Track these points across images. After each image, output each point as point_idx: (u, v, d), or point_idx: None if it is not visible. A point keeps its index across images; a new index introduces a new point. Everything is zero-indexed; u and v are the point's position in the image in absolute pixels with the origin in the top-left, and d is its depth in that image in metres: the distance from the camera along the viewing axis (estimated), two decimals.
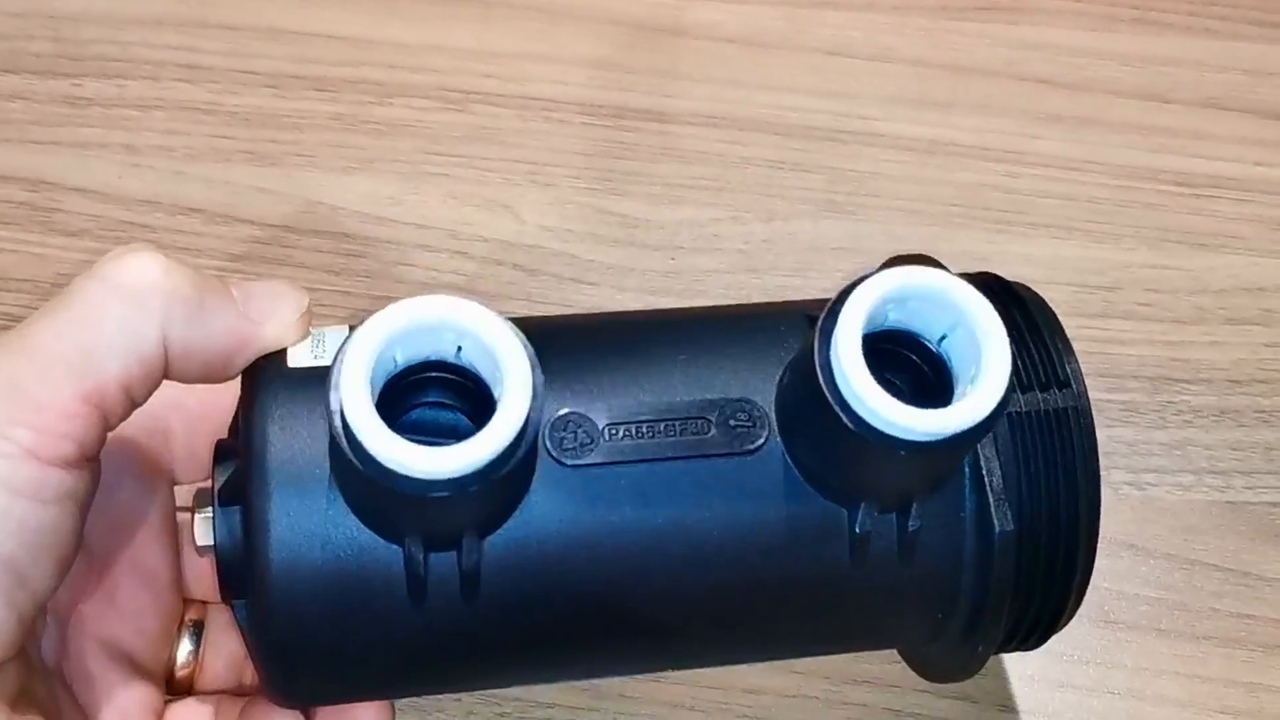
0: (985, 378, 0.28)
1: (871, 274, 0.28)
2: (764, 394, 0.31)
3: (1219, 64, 0.54)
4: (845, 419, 0.27)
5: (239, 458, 0.31)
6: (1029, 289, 0.36)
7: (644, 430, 0.30)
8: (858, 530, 0.30)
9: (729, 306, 0.37)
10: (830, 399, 0.28)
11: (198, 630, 0.36)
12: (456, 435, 0.27)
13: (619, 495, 0.30)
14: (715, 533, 0.30)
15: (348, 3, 0.55)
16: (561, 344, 0.31)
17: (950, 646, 0.34)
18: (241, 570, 0.30)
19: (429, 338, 0.28)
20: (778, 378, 0.31)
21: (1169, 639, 0.43)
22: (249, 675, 0.36)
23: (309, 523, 0.29)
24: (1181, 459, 0.46)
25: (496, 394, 0.27)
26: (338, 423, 0.26)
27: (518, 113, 0.53)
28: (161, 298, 0.29)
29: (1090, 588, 0.43)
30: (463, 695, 0.41)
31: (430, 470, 0.26)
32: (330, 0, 0.55)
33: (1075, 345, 0.48)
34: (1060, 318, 0.48)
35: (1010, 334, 0.28)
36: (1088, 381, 0.46)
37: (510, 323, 0.27)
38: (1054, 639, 0.42)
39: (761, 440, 0.30)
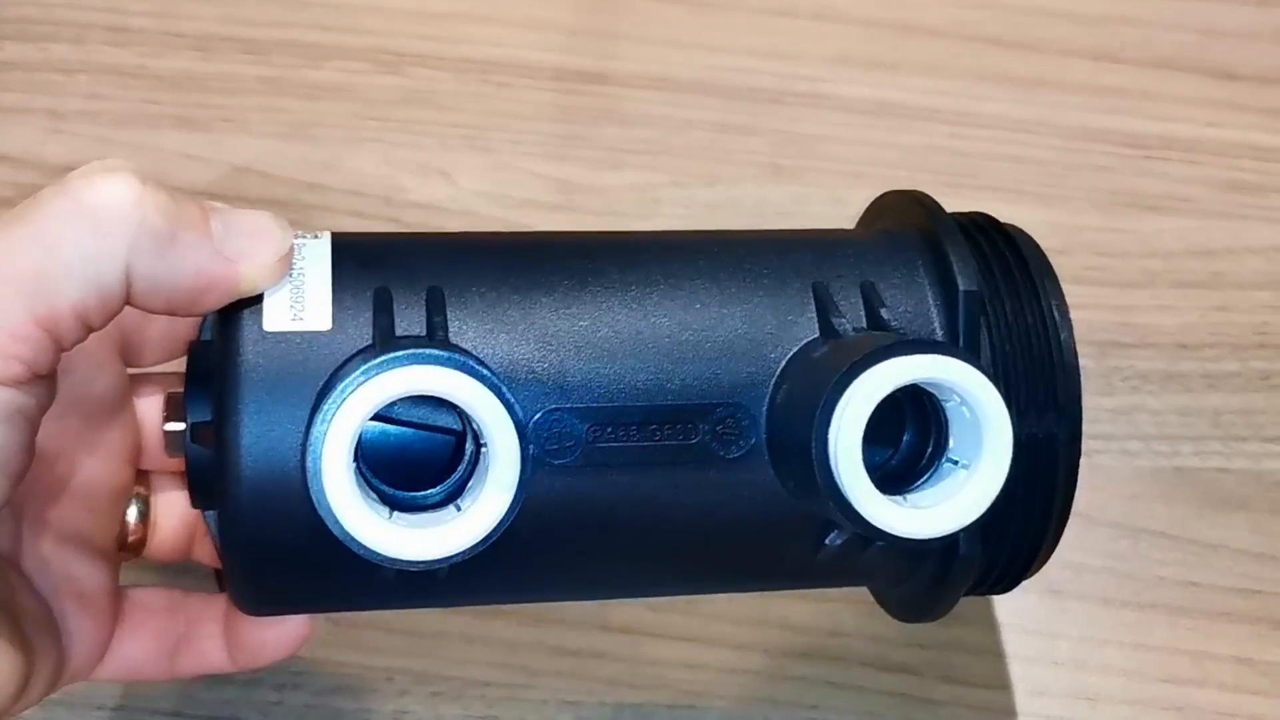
0: (980, 472, 0.28)
1: (882, 354, 0.28)
2: (756, 397, 0.30)
3: (1170, 23, 0.53)
4: (841, 515, 0.28)
5: (211, 365, 0.30)
6: (1022, 231, 0.35)
7: (628, 433, 0.30)
8: (826, 543, 0.31)
9: (723, 252, 0.33)
10: (827, 496, 0.28)
11: (146, 501, 0.35)
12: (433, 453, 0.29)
13: (596, 497, 0.30)
14: (691, 532, 0.31)
15: None
16: (548, 317, 0.30)
17: (920, 589, 0.34)
18: (212, 481, 0.30)
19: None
20: (772, 381, 0.30)
21: (1114, 608, 0.42)
22: (198, 548, 0.36)
23: (282, 436, 0.29)
24: (1129, 425, 0.45)
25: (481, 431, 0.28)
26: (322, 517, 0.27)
27: (455, 75, 0.52)
28: (129, 227, 0.27)
29: None
30: (395, 676, 0.40)
31: (418, 557, 0.27)
32: None
33: None
34: None
35: (1000, 272, 0.31)
36: None
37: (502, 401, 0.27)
38: (999, 610, 0.42)
39: (747, 449, 0.30)
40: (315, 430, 0.27)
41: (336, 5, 0.53)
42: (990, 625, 0.42)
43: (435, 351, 0.27)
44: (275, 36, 0.52)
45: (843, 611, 0.42)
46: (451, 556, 0.27)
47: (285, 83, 0.51)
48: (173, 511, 0.36)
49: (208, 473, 0.30)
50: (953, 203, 0.49)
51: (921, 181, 0.49)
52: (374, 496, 0.28)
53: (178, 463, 0.32)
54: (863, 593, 0.42)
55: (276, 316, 0.30)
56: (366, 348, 0.29)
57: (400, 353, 0.27)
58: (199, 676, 0.36)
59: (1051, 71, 0.52)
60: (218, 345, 0.30)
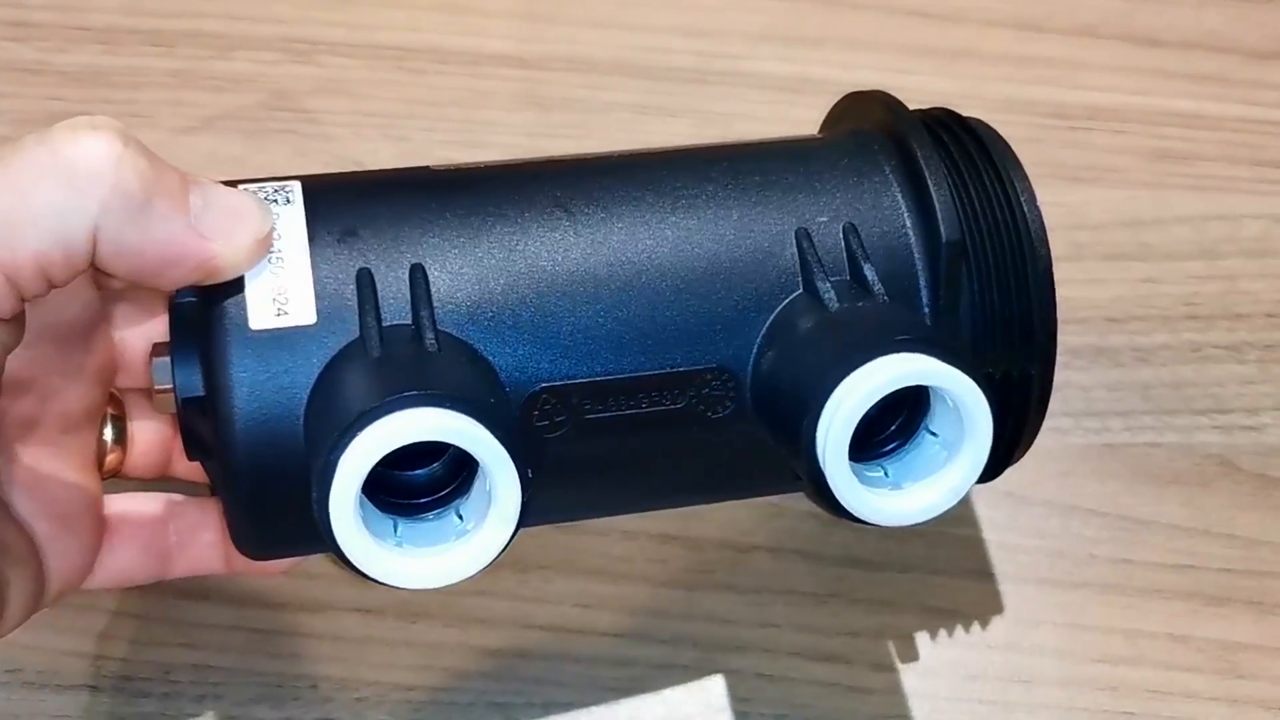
0: (960, 458, 0.29)
1: (875, 351, 0.28)
2: (740, 360, 0.31)
3: None
4: (812, 480, 0.29)
5: (195, 328, 0.30)
6: (986, 124, 0.35)
7: (617, 403, 0.30)
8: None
9: (698, 186, 0.32)
10: (809, 462, 0.29)
11: (121, 421, 0.35)
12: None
13: (587, 461, 0.31)
14: (681, 477, 0.33)
15: None
16: (532, 290, 0.30)
17: None
18: (205, 433, 0.30)
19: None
20: (756, 345, 0.31)
21: (1047, 588, 0.42)
22: (177, 464, 0.36)
23: (276, 406, 0.29)
24: (1059, 402, 0.44)
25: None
26: (319, 502, 0.27)
27: (368, 63, 0.50)
28: (103, 186, 0.27)
29: (965, 540, 0.42)
30: (319, 683, 0.40)
31: (426, 585, 0.28)
32: None
33: None
34: None
35: (963, 165, 0.32)
36: None
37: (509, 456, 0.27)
38: (932, 595, 0.41)
39: (732, 409, 0.31)
40: (326, 474, 0.27)
41: None
42: (922, 610, 0.41)
43: (433, 396, 0.27)
44: (182, 27, 0.51)
45: (774, 602, 0.41)
46: (453, 583, 0.28)
47: (193, 75, 0.50)
48: (148, 429, 0.36)
49: (202, 434, 0.30)
50: None
51: None
52: (375, 511, 0.28)
53: (147, 381, 0.33)
54: (795, 582, 0.41)
55: (261, 313, 0.29)
56: (353, 344, 0.29)
57: (398, 398, 0.27)
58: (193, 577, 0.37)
59: (975, 43, 0.51)
60: (205, 323, 0.30)
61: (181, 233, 0.28)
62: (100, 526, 0.34)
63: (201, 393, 0.30)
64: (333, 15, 0.51)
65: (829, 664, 0.40)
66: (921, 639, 0.41)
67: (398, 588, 0.28)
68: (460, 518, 0.29)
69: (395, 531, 0.28)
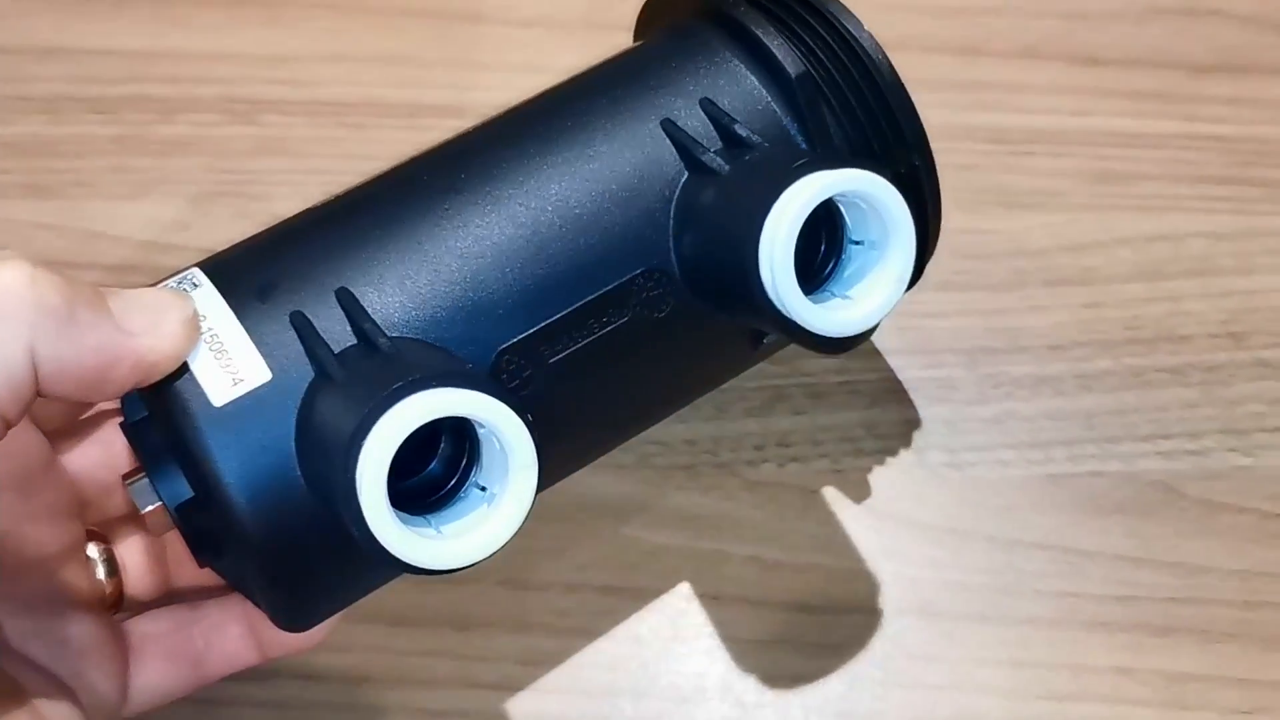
0: (891, 257, 0.31)
1: (797, 173, 0.30)
2: (662, 254, 0.32)
3: (1035, 11, 0.52)
4: (780, 330, 0.31)
5: (159, 441, 0.31)
6: None
7: (571, 338, 0.32)
8: (765, 342, 0.36)
9: (564, 127, 0.34)
10: (768, 317, 0.31)
11: (108, 552, 0.35)
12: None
13: (567, 397, 0.32)
14: (654, 382, 0.35)
15: (125, 13, 0.52)
16: (451, 268, 0.31)
17: None
18: (211, 526, 0.30)
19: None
20: (671, 236, 0.33)
21: (992, 625, 0.41)
22: (179, 576, 0.36)
23: (272, 480, 0.29)
24: (1001, 433, 0.44)
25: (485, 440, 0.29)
26: (348, 502, 0.27)
27: (309, 120, 0.51)
28: (27, 309, 0.27)
29: (909, 580, 0.42)
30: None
31: (474, 558, 0.28)
32: (107, 12, 0.52)
33: (889, 321, 0.46)
34: None
35: (782, 14, 0.34)
36: (902, 359, 0.45)
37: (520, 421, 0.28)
38: (876, 638, 0.41)
39: (674, 302, 0.33)
40: (349, 492, 0.27)
41: (185, 55, 0.52)
42: (868, 650, 0.41)
43: (413, 382, 0.27)
44: (125, 93, 0.51)
45: (720, 649, 0.41)
46: (502, 546, 0.28)
47: (136, 140, 0.50)
48: (135, 553, 0.36)
49: (208, 530, 0.31)
50: None
51: None
52: (407, 518, 0.28)
53: (120, 507, 0.34)
54: (739, 629, 0.41)
55: (217, 388, 0.30)
56: (315, 380, 0.30)
57: (384, 397, 0.27)
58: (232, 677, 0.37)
59: (915, 69, 0.50)
60: (168, 426, 0.30)
61: (111, 335, 0.28)
62: (122, 653, 0.34)
63: (191, 492, 0.31)
64: (273, 73, 0.51)
65: (774, 710, 0.40)
66: (867, 680, 0.41)
67: (462, 567, 0.28)
68: (483, 488, 0.29)
69: (432, 526, 0.29)
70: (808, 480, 0.43)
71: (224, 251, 0.33)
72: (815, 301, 0.31)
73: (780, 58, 0.34)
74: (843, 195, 0.30)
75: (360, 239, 0.32)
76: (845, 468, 0.44)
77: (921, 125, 0.35)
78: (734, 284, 0.31)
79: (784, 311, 0.30)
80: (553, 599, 0.42)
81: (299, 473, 0.30)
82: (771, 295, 0.30)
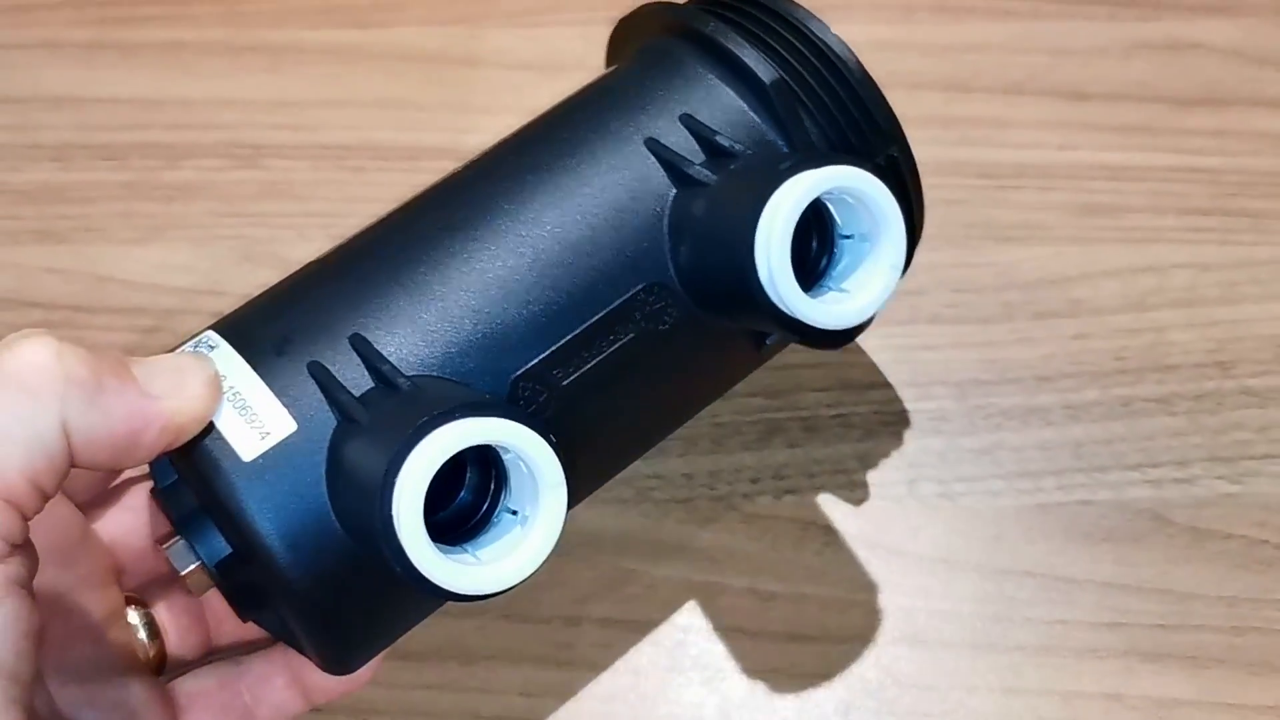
0: (882, 248, 0.32)
1: (798, 171, 0.31)
2: (661, 268, 0.33)
3: (1020, 47, 0.53)
4: (783, 329, 0.32)
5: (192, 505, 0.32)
6: None
7: (581, 359, 0.32)
8: (768, 343, 0.36)
9: (551, 156, 0.35)
10: (770, 317, 0.31)
11: (148, 615, 0.36)
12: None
13: (581, 418, 0.33)
14: (664, 394, 0.35)
15: (131, 62, 0.54)
16: (459, 303, 0.32)
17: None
18: (252, 579, 0.31)
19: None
20: (668, 248, 0.33)
21: (983, 653, 0.42)
22: (219, 633, 0.37)
23: (290, 494, 0.30)
24: (991, 464, 0.45)
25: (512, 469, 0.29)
26: (387, 538, 0.28)
27: (311, 163, 0.52)
28: (56, 383, 0.28)
29: (901, 610, 0.43)
30: None
31: (514, 581, 0.29)
32: (114, 61, 0.54)
33: (882, 355, 0.48)
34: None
35: (750, 25, 0.35)
36: (893, 392, 0.46)
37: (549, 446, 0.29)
38: (868, 668, 0.42)
39: (676, 314, 0.34)
40: (388, 529, 0.28)
41: (191, 102, 0.53)
42: (860, 681, 0.42)
43: (438, 416, 0.28)
44: (132, 139, 0.52)
45: (716, 680, 0.42)
46: (540, 566, 0.29)
47: (144, 186, 0.51)
48: (175, 614, 0.36)
49: (249, 584, 0.32)
50: None
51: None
52: (446, 550, 0.29)
53: (156, 570, 0.35)
54: (736, 659, 0.42)
55: (246, 443, 0.31)
56: (341, 426, 0.31)
57: (412, 433, 0.28)
58: None
59: (903, 106, 0.51)
60: (200, 486, 0.31)
61: (138, 401, 0.29)
62: (171, 714, 0.35)
63: (230, 548, 0.31)
64: (275, 119, 0.52)
65: None
66: (861, 710, 0.41)
67: (506, 589, 0.29)
68: (514, 512, 0.30)
69: (470, 554, 0.29)
70: (803, 512, 0.44)
71: (236, 311, 0.34)
72: (814, 298, 0.32)
73: (753, 67, 0.35)
74: (829, 192, 0.31)
75: (368, 285, 0.33)
76: (839, 499, 0.45)
77: (894, 115, 0.36)
78: (734, 289, 0.32)
79: (786, 310, 0.31)
80: (553, 632, 0.43)
81: (334, 518, 0.30)
82: (772, 296, 0.31)
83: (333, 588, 0.31)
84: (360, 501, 0.29)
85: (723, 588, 0.43)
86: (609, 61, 0.41)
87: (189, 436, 0.31)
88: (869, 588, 0.43)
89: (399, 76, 0.54)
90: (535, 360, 0.32)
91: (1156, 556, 0.43)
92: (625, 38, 0.40)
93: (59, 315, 0.49)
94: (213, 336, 0.33)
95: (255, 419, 0.31)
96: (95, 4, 0.55)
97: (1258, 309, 0.47)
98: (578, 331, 0.32)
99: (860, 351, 0.47)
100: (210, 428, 0.31)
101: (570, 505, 0.29)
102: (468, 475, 0.30)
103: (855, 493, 0.45)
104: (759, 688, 0.42)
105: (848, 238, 0.33)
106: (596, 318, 0.33)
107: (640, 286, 0.33)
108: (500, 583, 0.29)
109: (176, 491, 0.33)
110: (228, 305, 0.48)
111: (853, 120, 0.36)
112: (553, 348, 0.32)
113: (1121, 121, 0.51)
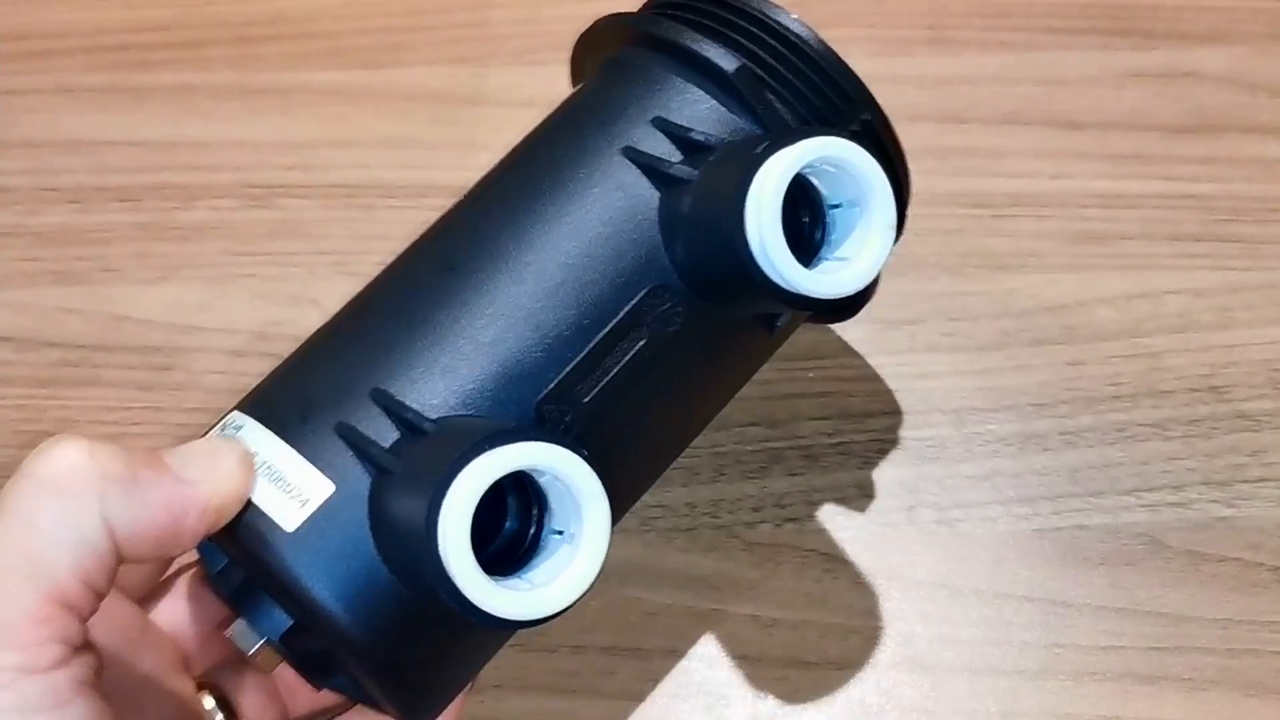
0: (873, 214, 0.33)
1: (781, 146, 0.31)
2: (662, 270, 0.34)
3: (1014, 78, 0.54)
4: (787, 303, 0.32)
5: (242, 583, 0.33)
6: None
7: (599, 373, 0.33)
8: (779, 325, 0.37)
9: (535, 181, 0.36)
10: (768, 289, 0.32)
11: (224, 701, 0.36)
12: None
13: (608, 428, 0.33)
14: (687, 394, 0.36)
15: (145, 105, 0.55)
16: (472, 340, 0.33)
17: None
18: (318, 645, 0.32)
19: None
20: (662, 249, 0.34)
21: (982, 677, 0.43)
22: (294, 704, 0.37)
23: (339, 555, 0.31)
24: (989, 490, 0.46)
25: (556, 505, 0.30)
26: (440, 577, 0.28)
27: (321, 202, 0.53)
28: (93, 482, 0.29)
29: (900, 635, 0.44)
30: None
31: (569, 600, 0.29)
32: (128, 105, 0.55)
33: (880, 383, 0.48)
34: (863, 356, 0.48)
35: (704, 19, 0.36)
36: (892, 420, 0.47)
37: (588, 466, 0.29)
38: (869, 693, 0.43)
39: (684, 312, 0.34)
40: (439, 571, 0.28)
41: (203, 143, 0.54)
42: (861, 706, 0.42)
43: (470, 450, 0.28)
44: (147, 181, 0.54)
45: (720, 706, 0.43)
46: (594, 581, 0.29)
47: (158, 227, 0.53)
48: (249, 692, 0.37)
49: (316, 651, 0.32)
50: None
51: None
52: (500, 580, 0.29)
53: (222, 654, 0.35)
54: (739, 686, 0.43)
55: (287, 513, 0.31)
56: (377, 479, 0.31)
57: (448, 470, 0.28)
58: None
59: (899, 137, 0.53)
60: (250, 563, 0.32)
61: (175, 488, 0.30)
62: None
63: (290, 619, 0.32)
64: (287, 158, 0.54)
65: None
66: None
67: (563, 609, 0.29)
68: (560, 533, 0.30)
69: (524, 580, 0.30)
70: (803, 540, 0.45)
71: (256, 387, 0.35)
72: (815, 270, 0.32)
73: (715, 60, 0.35)
74: (810, 165, 0.32)
75: (380, 339, 0.34)
76: (839, 527, 0.45)
77: (861, 82, 0.37)
78: (733, 275, 0.32)
79: (787, 287, 0.32)
80: (559, 660, 0.43)
81: (387, 571, 0.31)
82: (771, 274, 0.31)
83: (399, 640, 0.31)
84: (409, 548, 0.29)
85: (725, 615, 0.44)
86: (574, 81, 0.42)
87: (230, 517, 0.31)
88: (869, 614, 0.44)
89: (405, 116, 0.55)
90: (555, 382, 0.33)
91: (1152, 580, 0.44)
92: (585, 56, 0.41)
93: (77, 355, 0.50)
94: (238, 416, 0.34)
95: (292, 488, 0.31)
96: (109, 49, 0.56)
97: (1251, 333, 0.48)
98: (591, 346, 0.33)
99: (859, 380, 0.48)
100: (250, 505, 0.31)
101: (615, 518, 0.30)
102: (509, 504, 0.31)
103: (855, 520, 0.46)
104: (761, 714, 0.43)
105: (836, 207, 0.33)
106: (607, 329, 0.33)
107: (644, 292, 0.34)
108: (557, 603, 0.29)
109: (229, 573, 0.33)
110: (242, 343, 0.50)
111: (822, 94, 0.36)
112: (569, 366, 0.33)
113: (1114, 150, 0.52)
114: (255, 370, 0.48)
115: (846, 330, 0.49)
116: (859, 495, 0.46)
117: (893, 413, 0.47)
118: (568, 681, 0.43)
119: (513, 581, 0.29)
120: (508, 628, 0.29)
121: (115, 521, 0.29)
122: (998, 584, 0.44)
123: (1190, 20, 0.55)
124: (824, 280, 0.32)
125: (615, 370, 0.33)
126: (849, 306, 0.33)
